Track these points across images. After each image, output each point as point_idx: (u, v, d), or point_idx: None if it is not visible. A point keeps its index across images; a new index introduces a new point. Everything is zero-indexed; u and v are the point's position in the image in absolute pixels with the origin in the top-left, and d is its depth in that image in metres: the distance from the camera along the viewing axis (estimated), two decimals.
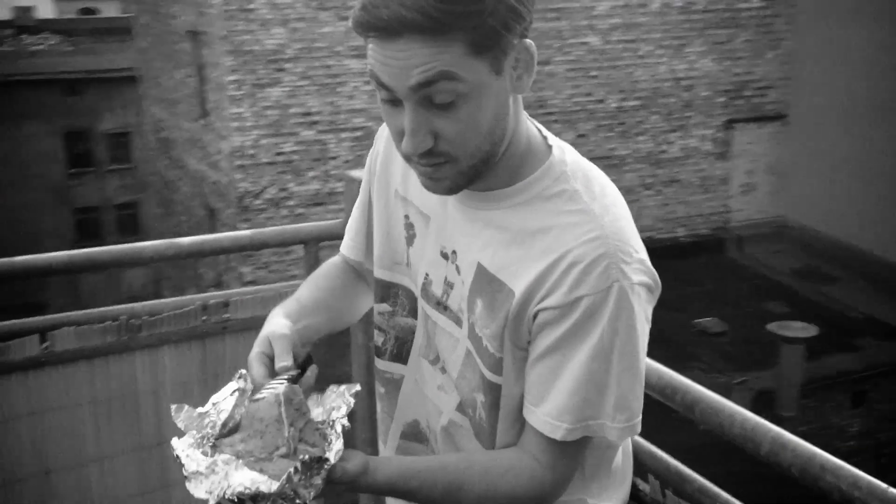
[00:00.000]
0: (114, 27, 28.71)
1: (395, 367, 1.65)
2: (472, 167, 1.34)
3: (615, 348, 1.33)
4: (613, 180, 1.43)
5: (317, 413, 1.35)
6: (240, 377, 1.40)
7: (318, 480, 1.27)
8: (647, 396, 1.71)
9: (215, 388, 1.41)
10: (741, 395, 11.62)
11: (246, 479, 1.23)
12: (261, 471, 1.25)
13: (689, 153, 17.40)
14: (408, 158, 1.35)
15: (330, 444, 1.31)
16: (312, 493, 1.27)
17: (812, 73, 16.89)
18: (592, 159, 1.43)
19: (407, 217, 1.57)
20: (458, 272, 1.46)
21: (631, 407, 1.37)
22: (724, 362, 12.80)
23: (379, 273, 1.64)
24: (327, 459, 1.28)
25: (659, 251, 14.98)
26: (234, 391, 1.37)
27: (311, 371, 1.48)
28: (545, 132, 1.45)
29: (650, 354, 1.45)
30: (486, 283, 1.41)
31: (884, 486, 1.32)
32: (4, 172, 26.97)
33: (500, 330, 1.40)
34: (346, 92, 15.02)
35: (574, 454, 1.42)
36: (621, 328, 1.33)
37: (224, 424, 1.31)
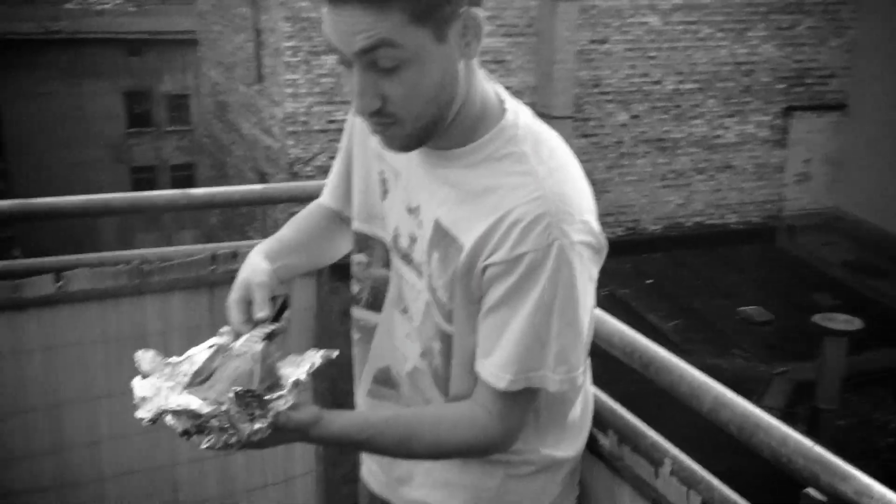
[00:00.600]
0: None
1: (369, 316, 1.72)
2: (421, 129, 1.41)
3: (556, 303, 1.39)
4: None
5: (288, 371, 1.41)
6: (221, 334, 1.48)
7: (261, 423, 1.33)
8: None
9: None
10: (781, 385, 11.50)
11: (182, 399, 1.30)
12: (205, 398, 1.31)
13: (745, 139, 17.14)
14: (361, 116, 1.42)
15: (280, 391, 1.37)
16: (254, 434, 1.32)
17: (874, 64, 16.54)
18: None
19: (382, 172, 1.64)
20: (420, 226, 1.54)
21: (570, 360, 1.44)
22: (767, 351, 12.65)
23: (357, 225, 1.71)
24: (266, 399, 1.34)
25: (708, 237, 14.73)
26: (211, 346, 1.43)
27: (286, 318, 1.57)
28: (503, 95, 1.51)
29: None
30: (441, 238, 1.49)
31: (809, 443, 1.37)
32: (65, 129, 27.38)
33: (450, 282, 1.47)
34: None
35: (524, 405, 1.49)
36: (561, 284, 1.39)
37: (197, 374, 1.37)
